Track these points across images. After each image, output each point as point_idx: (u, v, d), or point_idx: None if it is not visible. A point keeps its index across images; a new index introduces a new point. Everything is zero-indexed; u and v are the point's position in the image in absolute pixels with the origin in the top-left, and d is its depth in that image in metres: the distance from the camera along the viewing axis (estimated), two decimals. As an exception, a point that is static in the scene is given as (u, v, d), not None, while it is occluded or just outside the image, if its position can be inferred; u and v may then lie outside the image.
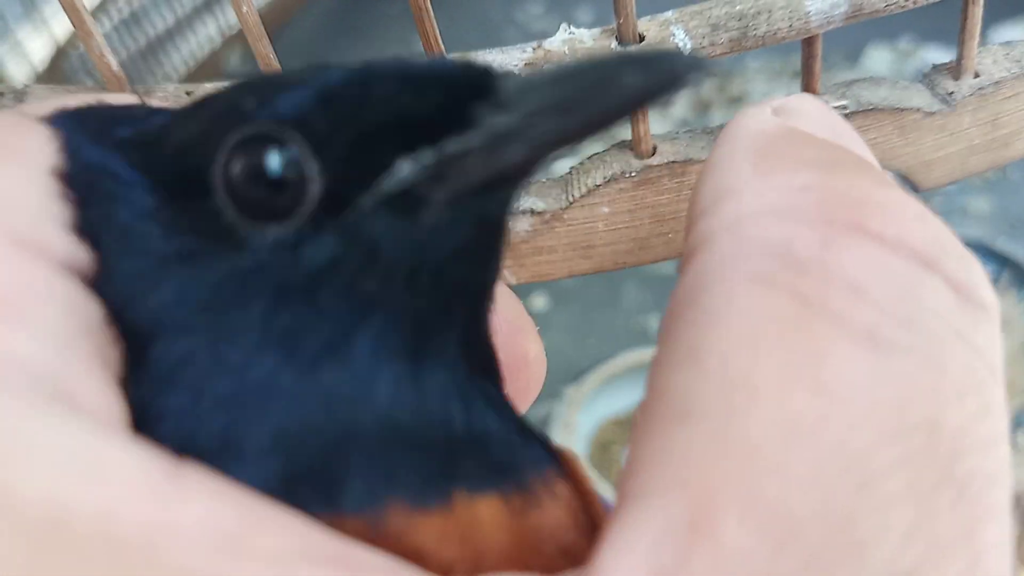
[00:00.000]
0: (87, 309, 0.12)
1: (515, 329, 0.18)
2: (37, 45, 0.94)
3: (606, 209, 0.27)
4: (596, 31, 0.24)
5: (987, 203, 0.81)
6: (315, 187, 0.12)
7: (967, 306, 0.12)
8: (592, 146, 0.23)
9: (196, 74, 1.16)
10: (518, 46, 0.24)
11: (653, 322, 0.79)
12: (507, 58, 0.24)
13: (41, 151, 0.13)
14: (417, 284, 0.12)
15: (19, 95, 0.28)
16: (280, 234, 0.12)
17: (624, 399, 0.72)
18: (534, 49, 0.24)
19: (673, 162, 0.26)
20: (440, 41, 0.23)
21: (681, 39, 0.23)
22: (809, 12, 0.23)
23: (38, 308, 0.11)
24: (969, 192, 0.82)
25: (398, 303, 0.12)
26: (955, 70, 0.27)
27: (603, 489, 0.62)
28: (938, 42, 0.95)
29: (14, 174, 0.13)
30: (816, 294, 0.11)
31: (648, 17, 0.24)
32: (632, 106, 0.11)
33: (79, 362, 0.11)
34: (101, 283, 0.12)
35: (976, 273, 0.12)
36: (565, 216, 0.27)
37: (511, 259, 0.28)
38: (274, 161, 0.12)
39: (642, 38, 0.24)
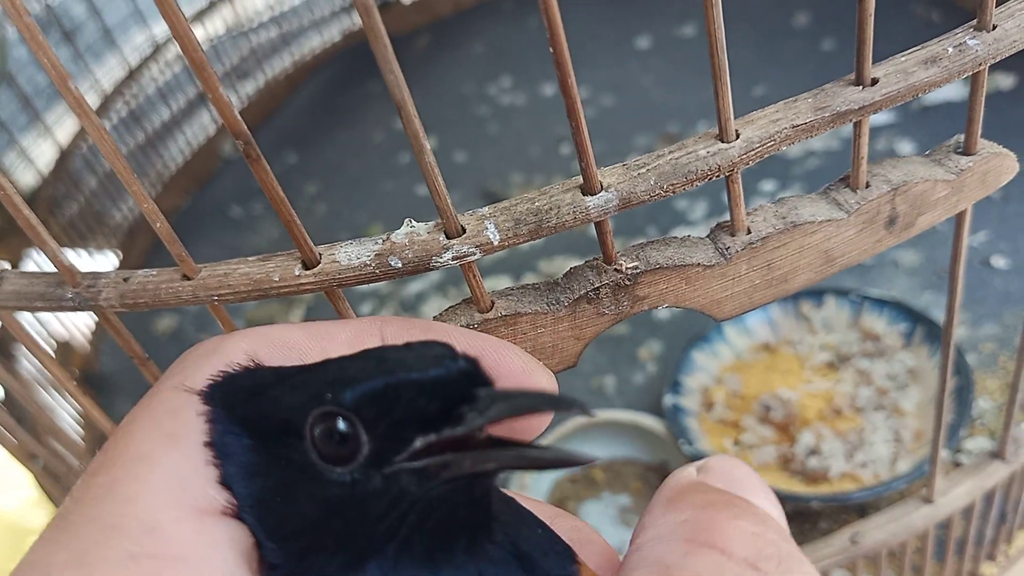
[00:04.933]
0: (241, 538, 0.19)
1: (526, 372, 0.26)
2: (42, 150, 1.03)
3: (459, 352, 0.33)
4: (430, 225, 0.30)
5: (916, 255, 0.86)
6: (365, 448, 0.19)
7: None
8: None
9: (194, 160, 1.25)
10: (371, 239, 0.31)
11: (609, 382, 0.85)
12: (362, 249, 0.31)
13: (199, 430, 0.20)
14: (427, 513, 0.19)
15: (-3, 280, 0.35)
16: (344, 475, 0.19)
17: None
18: (383, 242, 0.31)
19: (505, 315, 0.32)
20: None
21: (492, 231, 0.30)
22: (589, 207, 0.30)
23: (210, 554, 0.18)
24: (901, 246, 0.87)
25: (416, 524, 0.19)
26: (730, 228, 0.33)
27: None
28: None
29: (188, 453, 0.19)
30: None
31: (469, 212, 0.31)
32: (541, 412, 0.20)
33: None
34: (240, 514, 0.19)
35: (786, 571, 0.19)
36: (428, 358, 0.33)
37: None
38: (340, 427, 0.19)
39: (464, 230, 0.30)
